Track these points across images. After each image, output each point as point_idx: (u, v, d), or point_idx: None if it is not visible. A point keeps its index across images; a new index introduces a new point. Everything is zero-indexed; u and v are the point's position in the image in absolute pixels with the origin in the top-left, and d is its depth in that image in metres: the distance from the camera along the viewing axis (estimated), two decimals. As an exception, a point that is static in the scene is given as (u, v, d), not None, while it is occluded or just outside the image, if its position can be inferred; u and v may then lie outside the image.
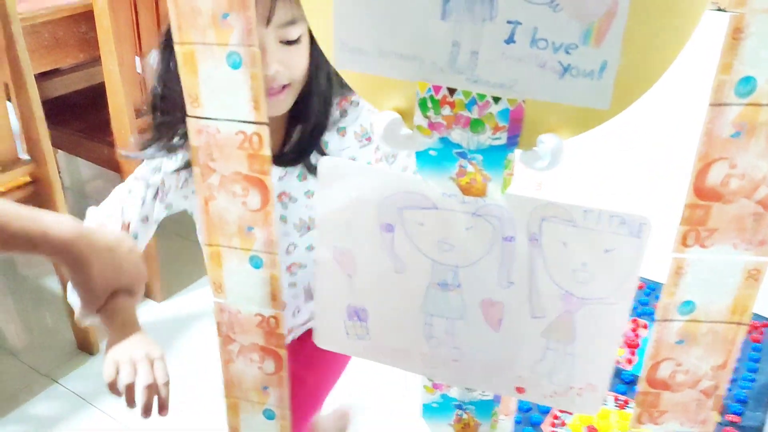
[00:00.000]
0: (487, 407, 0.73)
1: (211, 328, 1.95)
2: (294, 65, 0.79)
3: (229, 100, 0.56)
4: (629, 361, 1.67)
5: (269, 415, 0.73)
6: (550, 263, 0.60)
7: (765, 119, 0.48)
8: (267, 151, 0.58)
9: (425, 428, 0.79)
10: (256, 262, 0.65)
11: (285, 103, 0.82)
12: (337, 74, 0.57)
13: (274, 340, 0.69)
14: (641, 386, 0.60)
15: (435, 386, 0.75)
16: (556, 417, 1.52)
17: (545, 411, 1.52)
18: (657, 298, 1.93)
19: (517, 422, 1.53)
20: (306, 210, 0.94)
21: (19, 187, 1.52)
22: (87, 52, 1.69)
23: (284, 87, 0.80)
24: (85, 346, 1.74)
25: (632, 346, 1.71)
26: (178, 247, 2.18)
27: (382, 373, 0.86)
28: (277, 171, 0.88)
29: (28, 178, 1.52)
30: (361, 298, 0.72)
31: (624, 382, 1.60)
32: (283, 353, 0.70)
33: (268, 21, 0.74)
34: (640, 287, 1.91)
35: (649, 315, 1.81)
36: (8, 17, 1.32)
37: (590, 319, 0.61)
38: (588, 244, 0.58)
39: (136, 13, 1.66)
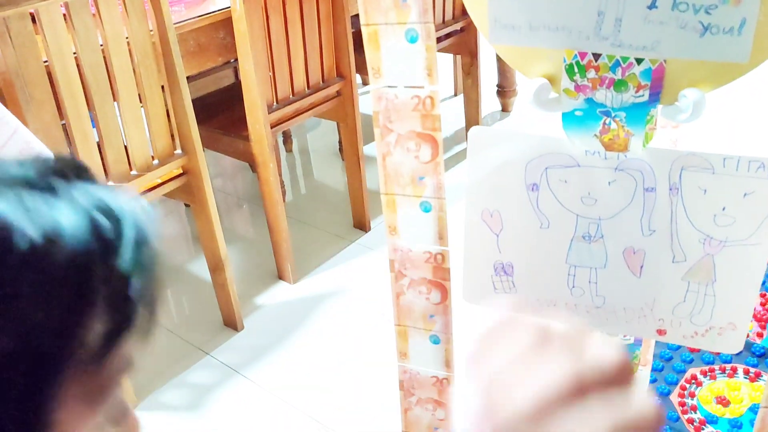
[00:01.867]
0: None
1: (339, 305, 2.09)
2: None
3: (407, 70, 0.65)
4: (759, 335, 1.65)
5: (435, 340, 0.83)
6: (690, 210, 0.66)
7: None
8: (438, 111, 0.67)
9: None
10: (426, 207, 0.74)
11: None
12: None
13: (441, 274, 0.78)
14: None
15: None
16: (683, 388, 1.53)
17: (673, 382, 1.54)
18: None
19: (643, 393, 1.55)
20: None
21: (172, 178, 1.70)
22: (224, 56, 1.86)
23: None
24: (231, 323, 1.92)
25: (762, 320, 1.68)
26: (306, 233, 2.34)
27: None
28: None
29: (180, 171, 1.70)
30: (507, 254, 0.80)
31: (754, 355, 1.59)
32: (448, 285, 0.79)
33: None
34: (768, 262, 1.87)
35: (779, 289, 1.77)
36: (165, 27, 1.50)
37: (730, 260, 0.66)
38: (727, 189, 0.63)
39: (267, 17, 1.81)
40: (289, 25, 1.88)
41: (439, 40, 2.58)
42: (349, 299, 2.01)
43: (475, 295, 0.84)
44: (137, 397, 1.70)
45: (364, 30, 0.64)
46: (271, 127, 1.94)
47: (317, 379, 1.73)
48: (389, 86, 0.67)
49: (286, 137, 2.97)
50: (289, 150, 3.00)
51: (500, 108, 3.10)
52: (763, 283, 1.86)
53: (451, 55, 3.19)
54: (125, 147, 1.55)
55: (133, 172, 1.59)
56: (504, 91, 3.03)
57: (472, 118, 2.82)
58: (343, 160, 2.51)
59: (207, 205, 1.74)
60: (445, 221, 0.76)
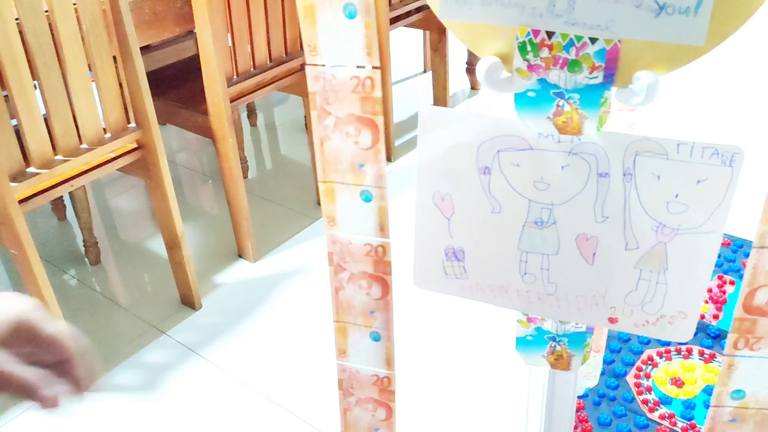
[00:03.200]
0: (579, 339, 0.78)
1: (300, 285, 2.07)
2: None
3: (345, 48, 0.62)
4: (715, 317, 1.67)
5: (375, 337, 0.80)
6: (643, 196, 0.64)
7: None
8: (378, 93, 0.64)
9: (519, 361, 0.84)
10: (366, 196, 0.71)
11: None
12: None
13: (382, 267, 0.75)
14: (737, 313, 0.64)
15: (529, 320, 0.80)
16: (640, 369, 1.54)
17: (630, 363, 1.55)
18: (745, 255, 1.90)
19: (601, 374, 1.56)
20: None
21: (127, 153, 1.64)
22: (182, 26, 1.79)
23: None
24: (188, 301, 1.88)
25: (718, 302, 1.70)
26: (268, 210, 2.29)
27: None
28: None
29: (135, 144, 1.65)
30: (458, 239, 0.77)
31: (710, 337, 1.61)
32: (389, 279, 0.76)
33: None
34: (726, 244, 1.89)
35: (736, 272, 1.79)
36: (116, -6, 1.43)
37: (683, 248, 0.64)
38: (681, 176, 0.61)
39: (227, -14, 1.74)
40: (250, -3, 1.82)
41: (408, 14, 2.53)
42: (311, 278, 1.98)
43: (426, 280, 0.82)
44: (90, 378, 1.66)
45: (299, 3, 0.61)
46: (231, 101, 1.88)
47: (276, 360, 1.70)
48: (326, 65, 0.63)
49: (251, 111, 2.91)
50: (253, 124, 2.94)
51: (469, 86, 3.07)
52: (720, 265, 1.88)
53: (420, 31, 3.14)
54: (74, 120, 1.48)
55: (84, 146, 1.53)
56: (473, 68, 3.00)
57: (440, 95, 2.78)
58: (308, 135, 2.46)
59: (163, 181, 1.68)
60: (387, 212, 0.73)
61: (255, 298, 1.91)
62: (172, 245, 1.80)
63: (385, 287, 0.77)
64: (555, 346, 0.80)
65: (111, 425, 1.54)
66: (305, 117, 2.70)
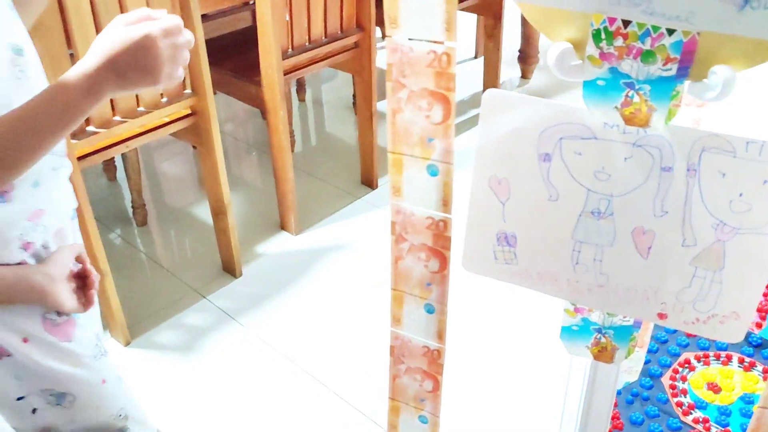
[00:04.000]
0: (626, 333, 0.78)
1: (340, 261, 2.08)
2: None
3: (425, 22, 0.62)
4: (758, 326, 1.64)
5: (429, 309, 0.81)
6: (706, 193, 0.63)
7: None
8: (453, 70, 0.64)
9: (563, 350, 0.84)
10: (433, 170, 0.72)
11: None
12: None
13: (441, 242, 0.76)
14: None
15: (576, 310, 0.80)
16: (676, 371, 1.52)
17: (666, 365, 1.53)
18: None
19: (636, 373, 1.55)
20: None
21: (180, 118, 1.67)
22: (241, -3, 1.81)
23: None
24: (230, 269, 1.92)
25: (762, 310, 1.67)
26: (312, 186, 2.32)
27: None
28: None
29: (189, 111, 1.68)
30: (512, 224, 0.77)
31: (751, 345, 1.58)
32: (448, 254, 0.77)
33: None
34: (776, 253, 1.84)
35: (784, 281, 1.75)
36: (182, -39, 1.45)
37: (741, 248, 0.64)
38: (747, 174, 0.60)
39: (289, -41, 1.75)
40: (310, -30, 1.83)
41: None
42: (350, 255, 2.00)
43: (474, 263, 0.83)
44: (131, 335, 1.71)
45: (382, -22, 0.61)
46: (285, 74, 1.90)
47: (311, 332, 1.73)
48: (406, 38, 0.64)
49: (300, 86, 2.93)
50: (302, 99, 2.96)
51: (520, 74, 3.04)
52: None
53: (475, 16, 3.11)
54: (134, 82, 1.52)
55: (141, 109, 1.56)
56: (525, 57, 2.96)
57: (490, 81, 2.76)
58: (356, 114, 2.47)
59: (213, 148, 1.71)
60: (451, 188, 0.73)
61: (295, 271, 1.94)
62: (218, 212, 1.83)
63: (443, 261, 0.78)
64: (600, 338, 0.80)
65: (150, 381, 1.59)
66: (353, 96, 2.71)
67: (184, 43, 0.73)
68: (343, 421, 1.49)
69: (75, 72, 0.70)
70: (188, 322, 1.77)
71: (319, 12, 1.93)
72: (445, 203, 0.74)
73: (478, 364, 1.61)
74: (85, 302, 0.86)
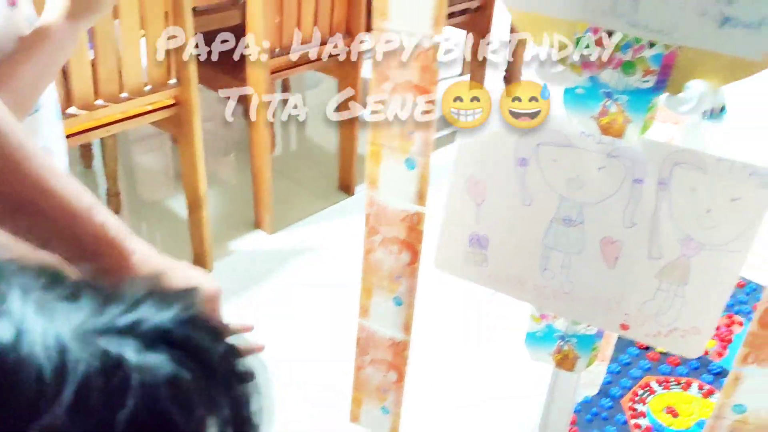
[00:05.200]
0: (588, 342, 0.79)
1: (312, 262, 2.06)
2: None
3: (413, 16, 0.63)
4: (719, 354, 1.67)
5: (398, 301, 0.82)
6: (675, 207, 0.65)
7: None
8: (437, 66, 0.65)
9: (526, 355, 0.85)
10: (411, 164, 0.73)
11: None
12: None
13: (414, 235, 0.77)
14: (752, 327, 0.64)
15: (542, 316, 0.81)
16: (636, 393, 1.54)
17: (627, 387, 1.55)
18: (757, 298, 1.89)
19: (597, 393, 1.57)
20: None
21: (163, 108, 1.66)
22: (234, -7, 1.81)
23: None
24: (200, 262, 1.90)
25: (724, 340, 1.70)
26: (288, 188, 2.31)
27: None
28: None
29: (172, 101, 1.67)
30: (485, 227, 0.78)
31: (711, 373, 1.60)
32: (419, 248, 0.78)
33: None
34: (741, 285, 1.88)
35: (746, 314, 1.79)
36: (177, -50, 1.45)
37: (706, 264, 0.65)
38: (716, 191, 0.62)
39: (284, -41, 1.76)
40: (306, -28, 1.84)
41: (452, 15, 2.54)
42: (323, 257, 2.00)
43: (446, 263, 0.83)
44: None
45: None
46: (271, 73, 1.90)
47: (277, 329, 1.72)
48: (393, 30, 0.65)
49: (285, 89, 2.93)
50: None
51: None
52: (731, 305, 1.87)
53: (464, 32, 3.14)
54: (119, 68, 1.51)
55: (124, 95, 1.55)
56: (510, 78, 3.00)
57: (474, 99, 2.79)
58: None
59: (194, 139, 1.70)
60: (428, 181, 0.74)
61: (265, 269, 1.93)
62: (194, 205, 1.82)
63: (414, 255, 0.79)
64: (563, 346, 0.81)
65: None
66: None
67: None
68: (309, 412, 1.49)
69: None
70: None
71: (310, 13, 1.94)
72: (421, 196, 0.75)
73: (444, 359, 1.62)
74: None
